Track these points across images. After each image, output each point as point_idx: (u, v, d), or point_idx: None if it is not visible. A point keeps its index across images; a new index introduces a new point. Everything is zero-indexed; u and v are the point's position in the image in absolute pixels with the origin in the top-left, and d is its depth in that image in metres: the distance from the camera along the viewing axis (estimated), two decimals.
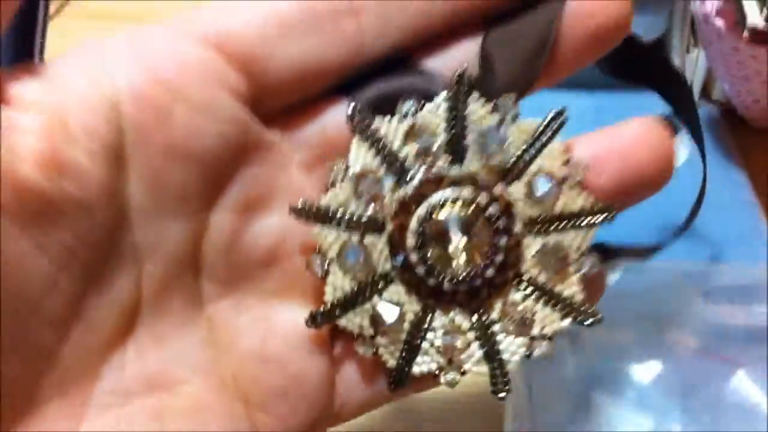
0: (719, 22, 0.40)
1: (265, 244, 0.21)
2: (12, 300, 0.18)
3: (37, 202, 0.18)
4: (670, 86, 0.39)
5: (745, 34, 0.39)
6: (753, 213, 0.44)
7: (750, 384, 0.31)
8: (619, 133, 0.22)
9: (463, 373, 0.22)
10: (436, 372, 0.22)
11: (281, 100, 0.21)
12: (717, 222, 0.42)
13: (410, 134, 0.21)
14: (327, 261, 0.22)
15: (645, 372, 0.32)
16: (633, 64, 0.37)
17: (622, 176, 0.22)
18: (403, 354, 0.22)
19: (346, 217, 0.22)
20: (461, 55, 0.21)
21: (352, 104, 0.21)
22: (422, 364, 0.22)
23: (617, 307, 0.32)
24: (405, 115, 0.21)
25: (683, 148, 0.24)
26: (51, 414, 0.19)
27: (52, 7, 0.37)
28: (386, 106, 0.21)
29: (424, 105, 0.21)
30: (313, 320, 0.22)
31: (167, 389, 0.20)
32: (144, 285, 0.20)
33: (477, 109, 0.21)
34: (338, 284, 0.22)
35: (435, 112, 0.21)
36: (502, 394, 0.22)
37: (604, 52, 0.22)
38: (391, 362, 0.22)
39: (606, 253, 0.24)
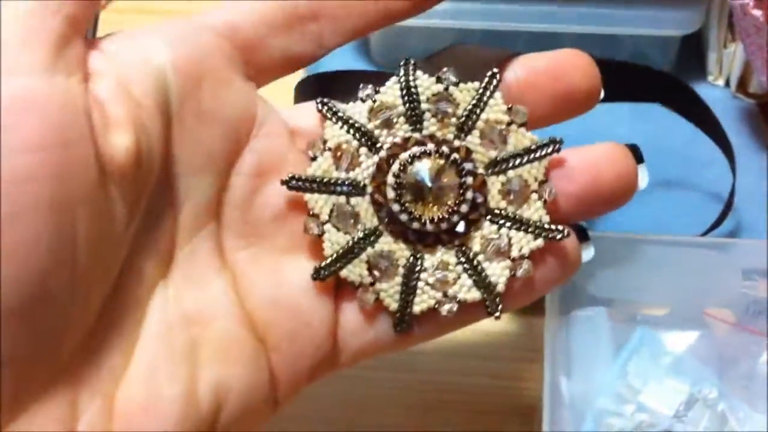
0: (758, 14, 0.40)
1: (275, 205, 0.25)
2: (102, 240, 0.21)
3: (126, 162, 0.22)
4: (691, 109, 0.40)
5: None
6: None
7: None
8: (592, 151, 0.26)
9: (458, 302, 0.25)
10: (435, 306, 0.25)
11: (264, 82, 0.26)
12: (752, 211, 0.43)
13: (373, 112, 0.25)
14: (321, 222, 0.25)
15: (680, 341, 0.33)
16: (646, 89, 0.38)
17: (589, 188, 0.26)
18: (402, 296, 0.25)
19: (332, 182, 0.25)
20: None
21: (318, 98, 0.26)
22: (421, 303, 0.25)
23: (654, 279, 0.32)
24: (365, 98, 0.25)
25: (645, 174, 0.26)
26: (110, 338, 0.22)
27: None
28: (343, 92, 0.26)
29: (378, 90, 0.25)
30: (317, 273, 0.25)
31: (201, 324, 0.24)
32: (178, 232, 0.24)
33: (424, 82, 0.25)
34: (334, 240, 0.25)
35: (389, 92, 0.25)
36: (496, 314, 0.25)
37: (574, 115, 0.26)
38: (393, 306, 0.25)
39: (581, 232, 0.27)
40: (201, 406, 0.23)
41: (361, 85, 0.25)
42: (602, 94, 0.27)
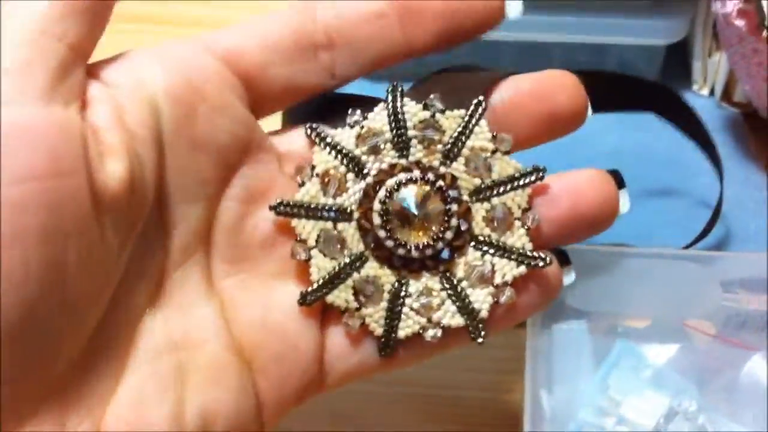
0: (740, 23, 0.40)
1: (264, 231, 0.25)
2: (93, 268, 0.21)
3: (119, 191, 0.22)
4: (681, 118, 0.40)
5: (765, 34, 0.39)
6: None
7: (765, 367, 0.32)
8: (574, 177, 0.27)
9: (442, 328, 0.25)
10: (420, 331, 0.25)
11: (266, 111, 0.26)
12: (739, 220, 0.43)
13: (361, 138, 0.25)
14: (308, 247, 0.25)
15: (660, 353, 0.33)
16: (637, 99, 0.38)
17: (572, 213, 0.26)
18: (387, 321, 0.25)
19: (319, 208, 0.25)
20: None
21: (308, 124, 0.26)
22: (405, 328, 0.26)
23: (635, 291, 0.32)
24: (353, 124, 0.26)
25: (626, 200, 0.27)
26: (102, 363, 0.22)
27: None
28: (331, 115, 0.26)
29: (366, 116, 0.26)
30: (303, 299, 0.25)
31: (189, 350, 0.24)
32: (169, 259, 0.24)
33: (411, 108, 0.25)
34: (321, 265, 0.25)
35: (377, 118, 0.25)
36: (479, 340, 0.26)
37: (559, 135, 0.27)
38: (378, 330, 0.25)
39: (562, 257, 0.27)
40: (188, 428, 0.23)
41: (350, 111, 0.26)
42: (590, 111, 0.27)
